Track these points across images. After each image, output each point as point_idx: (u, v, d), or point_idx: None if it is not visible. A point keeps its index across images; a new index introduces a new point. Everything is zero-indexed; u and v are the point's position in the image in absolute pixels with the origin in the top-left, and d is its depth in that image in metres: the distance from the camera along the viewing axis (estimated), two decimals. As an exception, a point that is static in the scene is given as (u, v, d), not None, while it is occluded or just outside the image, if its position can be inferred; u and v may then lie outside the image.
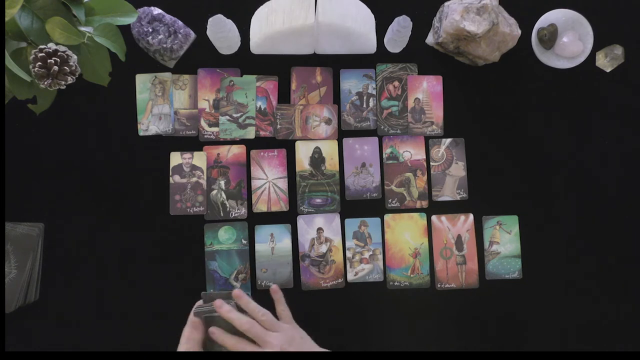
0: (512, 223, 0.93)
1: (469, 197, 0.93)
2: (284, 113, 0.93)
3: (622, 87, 0.95)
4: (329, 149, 0.93)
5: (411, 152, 0.94)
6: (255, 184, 0.92)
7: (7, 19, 0.66)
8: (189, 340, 0.73)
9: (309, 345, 0.75)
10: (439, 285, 0.92)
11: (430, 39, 0.94)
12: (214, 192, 0.91)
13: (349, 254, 0.92)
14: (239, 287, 0.90)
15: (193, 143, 0.92)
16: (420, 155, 0.94)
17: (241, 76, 0.93)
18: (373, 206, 0.93)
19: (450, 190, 0.93)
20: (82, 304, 0.88)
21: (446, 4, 0.90)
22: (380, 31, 0.92)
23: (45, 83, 0.68)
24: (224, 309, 0.74)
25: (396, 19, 0.87)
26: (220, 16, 0.85)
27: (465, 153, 0.94)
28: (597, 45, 0.95)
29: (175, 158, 0.91)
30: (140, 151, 0.91)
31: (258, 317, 0.74)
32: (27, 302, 0.86)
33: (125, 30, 0.85)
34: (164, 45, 0.88)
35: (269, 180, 0.92)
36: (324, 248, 0.91)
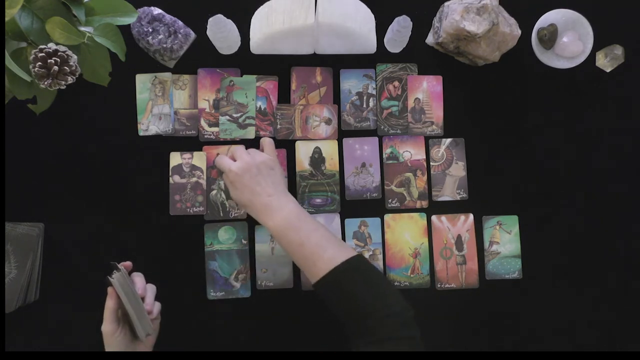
0: (512, 223, 0.93)
1: (469, 197, 0.93)
2: (284, 113, 0.93)
3: (622, 87, 0.95)
4: (329, 149, 0.93)
5: (411, 152, 0.94)
6: (255, 184, 0.92)
7: (7, 19, 0.66)
8: (105, 310, 0.74)
9: (262, 178, 0.83)
10: (439, 285, 0.92)
11: (430, 39, 0.94)
12: (214, 192, 0.91)
13: (349, 254, 0.92)
14: (239, 287, 0.90)
15: (193, 143, 0.92)
16: (420, 155, 0.94)
17: (241, 76, 0.93)
18: (373, 206, 0.93)
19: (450, 190, 0.93)
20: (82, 304, 0.88)
21: (446, 4, 0.90)
22: (380, 31, 0.92)
23: (45, 83, 0.68)
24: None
25: (396, 19, 0.87)
26: (220, 16, 0.85)
27: (465, 153, 0.94)
28: (597, 45, 0.95)
29: (175, 158, 0.91)
30: (140, 151, 0.91)
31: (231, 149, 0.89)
32: (27, 302, 0.86)
33: (125, 30, 0.85)
34: (164, 45, 0.88)
35: (269, 180, 0.92)
36: (324, 248, 0.91)
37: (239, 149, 0.86)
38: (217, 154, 0.90)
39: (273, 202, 0.81)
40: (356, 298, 0.73)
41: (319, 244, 0.77)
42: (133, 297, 0.73)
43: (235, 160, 0.85)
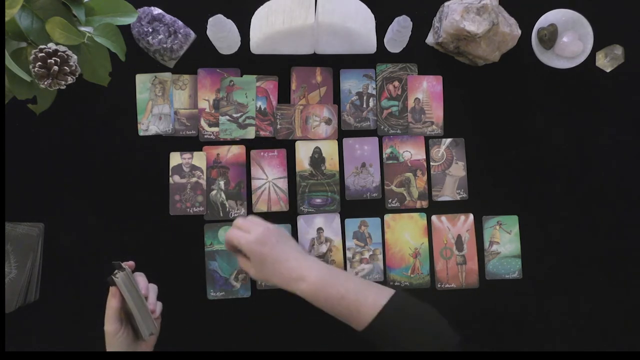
0: (512, 223, 0.93)
1: (469, 197, 0.93)
2: (284, 113, 0.93)
3: (622, 87, 0.95)
4: (329, 149, 0.93)
5: (411, 152, 0.94)
6: (255, 184, 0.92)
7: (7, 19, 0.66)
8: (109, 309, 0.73)
9: (284, 244, 0.80)
10: (439, 285, 0.92)
11: (430, 39, 0.94)
12: (214, 192, 0.91)
13: (349, 254, 0.92)
14: (239, 287, 0.90)
15: (193, 143, 0.92)
16: (420, 155, 0.94)
17: (241, 76, 0.93)
18: (373, 206, 0.93)
19: (450, 190, 0.93)
20: (82, 304, 0.88)
21: (446, 4, 0.90)
22: (380, 31, 0.92)
23: (45, 83, 0.68)
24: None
25: (396, 19, 0.87)
26: (220, 16, 0.85)
27: (465, 153, 0.94)
28: (597, 45, 0.95)
29: (175, 158, 0.91)
30: (140, 151, 0.91)
31: (234, 223, 0.83)
32: (27, 302, 0.86)
33: (125, 30, 0.85)
34: (164, 45, 0.88)
35: (269, 180, 0.92)
36: (324, 248, 0.91)
37: (246, 221, 0.82)
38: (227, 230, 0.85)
39: (302, 264, 0.79)
40: (406, 336, 0.73)
41: (358, 291, 0.76)
42: (137, 297, 0.73)
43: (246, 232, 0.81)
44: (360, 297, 0.75)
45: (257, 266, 0.79)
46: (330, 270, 0.79)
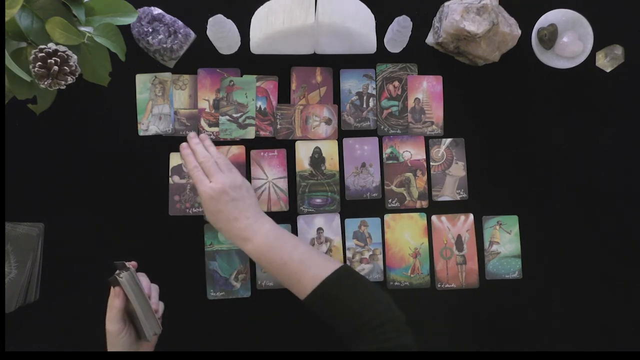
0: (512, 223, 0.93)
1: (469, 197, 0.93)
2: (284, 113, 0.93)
3: (622, 87, 0.95)
4: (329, 149, 0.93)
5: (411, 152, 0.94)
6: (255, 184, 0.92)
7: (7, 19, 0.66)
8: (111, 309, 0.73)
9: (241, 202, 0.79)
10: (439, 285, 0.92)
11: (430, 39, 0.94)
12: (214, 192, 0.91)
13: (349, 254, 0.92)
14: (239, 287, 0.90)
15: (193, 143, 0.92)
16: (420, 155, 0.94)
17: (241, 76, 0.93)
18: (373, 206, 0.93)
19: (450, 190, 0.93)
20: (82, 304, 0.88)
21: (446, 4, 0.90)
22: (380, 31, 0.92)
23: (45, 83, 0.68)
24: (183, 147, 0.84)
25: (396, 19, 0.87)
26: (220, 16, 0.85)
27: (465, 153, 0.94)
28: (597, 45, 0.95)
29: (175, 158, 0.91)
30: (140, 151, 0.91)
31: (199, 159, 0.82)
32: (27, 302, 0.86)
33: (125, 30, 0.85)
34: (164, 45, 0.88)
35: (269, 180, 0.92)
36: (324, 248, 0.91)
37: (212, 166, 0.81)
38: (187, 153, 0.84)
39: (251, 225, 0.79)
40: (345, 310, 0.73)
41: (302, 260, 0.77)
42: (141, 297, 0.73)
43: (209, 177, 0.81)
44: (303, 267, 0.76)
45: (210, 216, 0.81)
46: (279, 236, 0.79)
